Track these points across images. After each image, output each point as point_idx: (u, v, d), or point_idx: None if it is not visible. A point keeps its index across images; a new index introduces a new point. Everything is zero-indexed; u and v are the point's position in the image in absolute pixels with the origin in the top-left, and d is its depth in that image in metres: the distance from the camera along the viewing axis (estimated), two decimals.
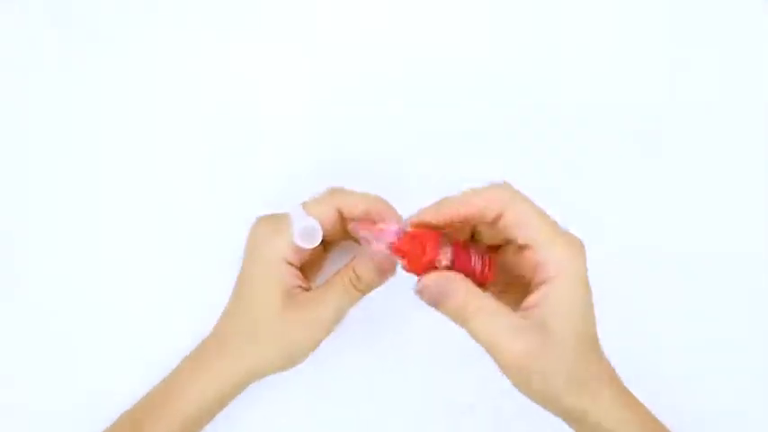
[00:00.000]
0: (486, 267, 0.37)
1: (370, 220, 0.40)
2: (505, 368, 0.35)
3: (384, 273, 0.41)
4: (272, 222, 0.42)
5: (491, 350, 0.35)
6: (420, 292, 0.36)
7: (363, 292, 0.41)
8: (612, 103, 0.52)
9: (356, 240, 0.43)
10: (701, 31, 0.54)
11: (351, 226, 0.42)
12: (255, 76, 0.52)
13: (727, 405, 0.49)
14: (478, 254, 0.38)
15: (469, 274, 0.37)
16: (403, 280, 0.42)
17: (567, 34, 0.53)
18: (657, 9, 0.54)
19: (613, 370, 0.37)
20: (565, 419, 0.36)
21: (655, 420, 0.38)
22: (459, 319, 0.35)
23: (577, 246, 0.35)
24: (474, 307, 0.35)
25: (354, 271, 0.41)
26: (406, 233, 0.37)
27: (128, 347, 0.48)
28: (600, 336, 0.37)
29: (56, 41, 0.52)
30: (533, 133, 0.51)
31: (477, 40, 0.53)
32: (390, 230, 0.37)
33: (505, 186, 0.36)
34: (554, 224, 0.36)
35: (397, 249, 0.37)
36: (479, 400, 0.48)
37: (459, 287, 0.35)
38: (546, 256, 0.35)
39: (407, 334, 0.48)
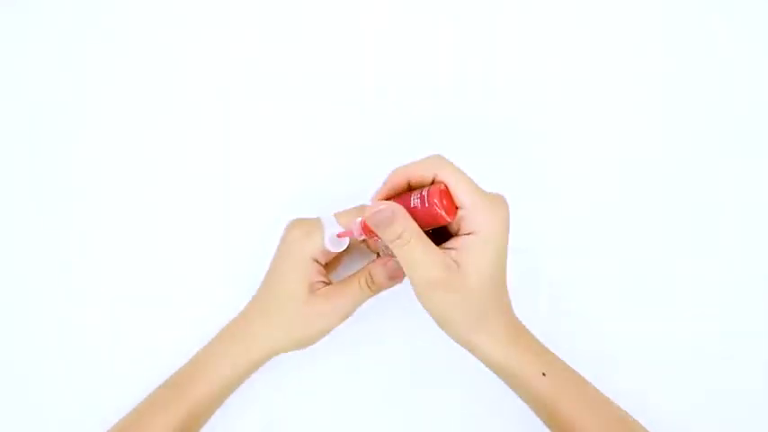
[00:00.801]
0: (426, 203, 0.43)
1: None
2: (419, 288, 0.43)
3: (394, 279, 0.49)
4: (305, 226, 0.49)
5: (410, 271, 0.43)
6: (375, 213, 0.43)
7: (375, 293, 0.49)
8: (611, 103, 0.56)
9: (373, 250, 0.51)
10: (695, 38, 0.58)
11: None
12: (265, 78, 0.57)
13: (727, 405, 0.52)
14: (420, 196, 0.43)
15: (411, 210, 0.43)
16: (403, 286, 0.50)
17: (566, 39, 0.57)
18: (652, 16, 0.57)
19: (514, 316, 0.46)
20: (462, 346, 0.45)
21: (542, 354, 0.46)
22: (396, 243, 0.43)
23: (498, 207, 0.43)
24: (408, 234, 0.42)
25: (370, 274, 0.49)
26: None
27: (131, 348, 0.53)
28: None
29: (56, 42, 0.56)
30: (532, 135, 0.56)
31: (477, 46, 0.57)
32: (356, 222, 0.46)
33: (439, 156, 0.44)
34: (477, 188, 0.43)
35: (364, 230, 0.46)
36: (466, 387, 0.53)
37: (400, 213, 0.42)
38: (469, 214, 0.43)
39: (402, 328, 0.55)
